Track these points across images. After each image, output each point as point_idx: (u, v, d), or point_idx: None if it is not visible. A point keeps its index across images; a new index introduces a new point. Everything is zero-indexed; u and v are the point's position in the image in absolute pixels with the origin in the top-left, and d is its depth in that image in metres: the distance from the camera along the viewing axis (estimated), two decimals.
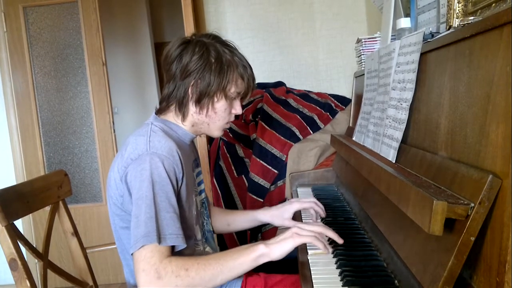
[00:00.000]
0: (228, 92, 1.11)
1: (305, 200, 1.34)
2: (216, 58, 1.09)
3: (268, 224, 2.07)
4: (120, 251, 1.17)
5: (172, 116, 1.16)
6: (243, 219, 1.39)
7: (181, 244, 0.97)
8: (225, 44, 1.14)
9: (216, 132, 1.18)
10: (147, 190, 0.97)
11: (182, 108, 1.12)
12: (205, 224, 1.25)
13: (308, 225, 1.03)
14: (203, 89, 1.09)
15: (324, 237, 1.05)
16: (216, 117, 1.14)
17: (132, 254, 0.95)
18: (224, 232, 1.44)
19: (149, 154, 1.00)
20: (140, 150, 1.02)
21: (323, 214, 1.33)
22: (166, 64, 1.13)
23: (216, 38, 1.14)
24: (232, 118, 1.19)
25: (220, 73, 1.08)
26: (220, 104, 1.12)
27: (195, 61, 1.08)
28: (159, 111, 1.17)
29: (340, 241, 1.04)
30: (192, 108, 1.13)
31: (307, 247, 1.09)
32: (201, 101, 1.10)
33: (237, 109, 1.17)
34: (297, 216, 1.37)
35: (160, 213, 0.96)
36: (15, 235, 1.09)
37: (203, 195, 1.26)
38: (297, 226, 1.03)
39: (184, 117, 1.14)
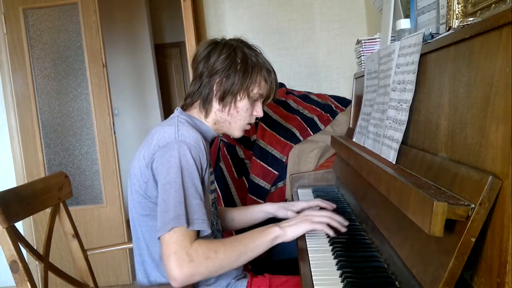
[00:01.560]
0: (251, 92, 1.17)
1: (311, 200, 1.42)
2: (242, 59, 1.15)
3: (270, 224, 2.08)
4: (134, 240, 1.20)
5: (196, 113, 1.21)
6: (248, 211, 1.43)
7: (206, 229, 1.01)
8: (251, 47, 1.20)
9: (237, 132, 1.23)
10: (175, 176, 1.00)
11: (206, 105, 1.18)
12: (215, 223, 1.27)
13: (319, 213, 1.15)
14: (227, 87, 1.15)
15: (335, 223, 1.14)
16: (237, 116, 1.19)
17: (159, 238, 0.98)
18: (228, 229, 1.46)
19: (178, 142, 1.05)
20: (169, 137, 1.06)
21: (330, 208, 1.37)
22: (194, 63, 1.20)
23: (243, 42, 1.21)
24: (253, 120, 1.24)
25: (244, 74, 1.14)
26: (243, 104, 1.17)
27: (222, 60, 1.14)
28: (184, 107, 1.22)
29: (343, 229, 1.14)
30: (215, 105, 1.18)
31: (308, 253, 1.09)
32: (224, 98, 1.16)
33: (259, 111, 1.22)
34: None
35: (188, 199, 1.00)
36: (16, 237, 1.09)
37: (213, 194, 1.29)
38: (308, 213, 1.14)
39: (207, 114, 1.19)
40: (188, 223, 0.97)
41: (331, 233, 1.10)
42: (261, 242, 1.04)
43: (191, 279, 0.95)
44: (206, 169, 1.09)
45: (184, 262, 0.94)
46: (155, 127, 1.15)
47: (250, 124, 1.23)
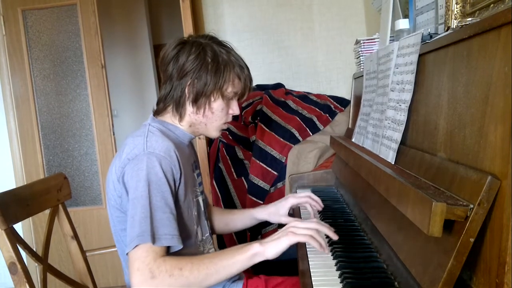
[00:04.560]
0: (225, 91, 1.12)
1: (301, 195, 1.34)
2: (212, 58, 1.10)
3: (268, 225, 2.08)
4: (120, 253, 1.17)
5: (169, 117, 1.16)
6: (240, 218, 1.39)
7: (176, 245, 0.97)
8: (221, 44, 1.15)
9: (214, 133, 1.18)
10: (143, 190, 0.97)
11: (179, 109, 1.13)
12: (208, 224, 1.24)
13: (304, 223, 1.00)
14: (199, 88, 1.10)
15: (322, 235, 1.00)
16: (213, 117, 1.14)
17: (127, 254, 0.95)
18: (223, 232, 1.43)
19: (146, 154, 1.01)
20: (138, 150, 1.02)
21: (319, 207, 1.33)
22: (163, 65, 1.14)
23: (213, 39, 1.15)
24: (230, 119, 1.19)
25: (216, 73, 1.09)
26: (217, 104, 1.13)
27: (191, 61, 1.09)
28: (157, 112, 1.17)
29: (335, 237, 1.00)
30: (189, 108, 1.13)
31: (308, 254, 1.09)
32: (198, 100, 1.11)
33: (234, 110, 1.17)
34: (295, 214, 1.39)
35: (155, 213, 0.96)
36: (15, 239, 1.09)
37: (203, 195, 1.26)
38: (292, 225, 1.00)
39: (181, 118, 1.14)
40: (154, 239, 0.93)
41: (317, 246, 0.96)
42: (238, 259, 0.95)
43: None
44: (180, 179, 1.05)
45: (146, 279, 0.90)
46: (128, 137, 1.10)
47: (226, 123, 1.19)
